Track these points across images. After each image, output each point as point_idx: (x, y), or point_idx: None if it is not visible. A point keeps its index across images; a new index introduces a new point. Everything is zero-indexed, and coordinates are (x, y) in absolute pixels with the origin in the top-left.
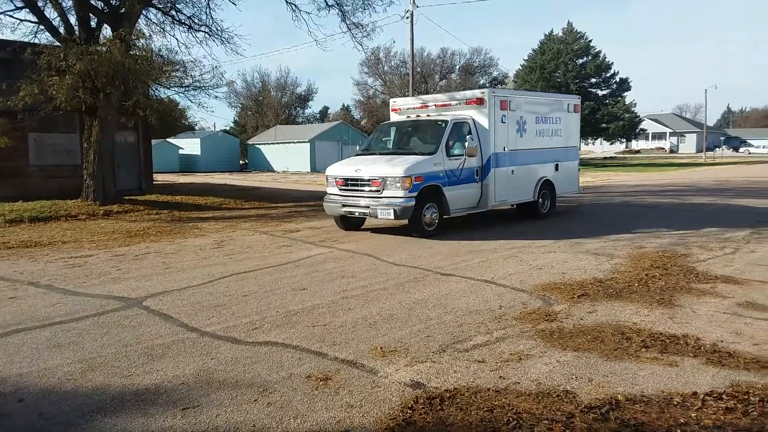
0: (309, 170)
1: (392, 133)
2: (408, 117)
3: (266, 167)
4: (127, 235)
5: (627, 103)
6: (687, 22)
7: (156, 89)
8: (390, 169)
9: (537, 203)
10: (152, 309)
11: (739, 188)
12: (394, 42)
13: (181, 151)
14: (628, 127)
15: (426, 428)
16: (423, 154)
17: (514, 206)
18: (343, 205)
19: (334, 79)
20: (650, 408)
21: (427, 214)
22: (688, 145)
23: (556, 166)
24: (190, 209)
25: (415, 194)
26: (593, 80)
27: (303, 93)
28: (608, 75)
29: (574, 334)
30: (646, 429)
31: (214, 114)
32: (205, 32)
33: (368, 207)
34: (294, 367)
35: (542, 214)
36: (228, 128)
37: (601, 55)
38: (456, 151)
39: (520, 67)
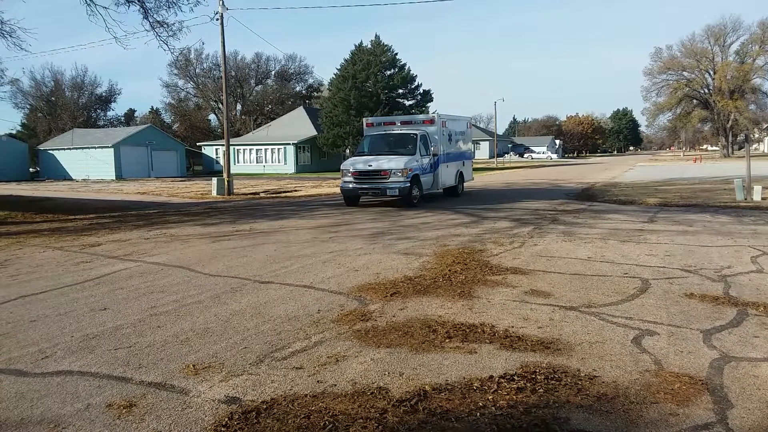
0: (114, 178)
1: (377, 141)
2: (385, 131)
3: (63, 175)
4: None
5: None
6: (478, 40)
7: None
8: (393, 164)
9: (457, 187)
10: None
11: (524, 189)
12: (203, 43)
13: None
14: None
15: None
16: (408, 155)
17: (441, 190)
18: (359, 189)
19: (141, 80)
20: (454, 395)
21: (413, 192)
22: (483, 151)
23: (463, 163)
24: None
25: (409, 180)
26: (400, 91)
27: (104, 94)
28: (413, 87)
29: (387, 331)
30: (450, 416)
31: None
32: None
33: (379, 188)
34: (92, 397)
35: (458, 194)
36: (14, 132)
37: (407, 67)
38: (422, 153)
39: (334, 76)
